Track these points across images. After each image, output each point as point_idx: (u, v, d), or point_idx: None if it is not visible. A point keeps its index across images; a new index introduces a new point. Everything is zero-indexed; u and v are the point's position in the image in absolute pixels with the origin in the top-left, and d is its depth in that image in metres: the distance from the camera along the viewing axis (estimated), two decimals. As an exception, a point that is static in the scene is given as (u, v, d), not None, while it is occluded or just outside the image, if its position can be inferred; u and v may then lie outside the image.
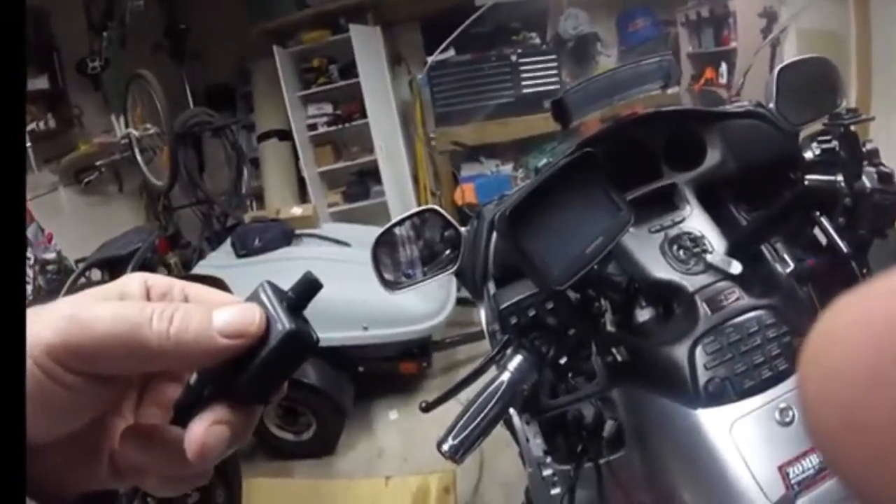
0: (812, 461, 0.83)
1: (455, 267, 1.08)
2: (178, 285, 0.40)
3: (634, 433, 1.03)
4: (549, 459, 1.01)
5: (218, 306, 0.36)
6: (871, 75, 4.10)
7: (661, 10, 4.79)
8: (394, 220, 1.09)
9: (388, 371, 2.99)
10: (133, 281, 0.38)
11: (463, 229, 1.08)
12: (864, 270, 1.24)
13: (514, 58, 4.52)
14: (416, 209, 1.10)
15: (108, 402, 0.37)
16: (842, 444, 0.24)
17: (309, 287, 0.38)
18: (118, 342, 0.33)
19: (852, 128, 1.19)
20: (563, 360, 0.90)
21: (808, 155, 1.19)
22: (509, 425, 1.06)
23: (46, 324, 0.32)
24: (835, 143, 1.18)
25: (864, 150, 1.18)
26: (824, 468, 0.81)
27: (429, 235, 1.13)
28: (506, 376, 0.84)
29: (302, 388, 2.67)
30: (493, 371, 0.90)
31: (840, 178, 1.14)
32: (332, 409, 2.79)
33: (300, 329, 0.36)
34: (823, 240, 1.19)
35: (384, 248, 1.12)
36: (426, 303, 2.81)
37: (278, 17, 4.81)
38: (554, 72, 4.57)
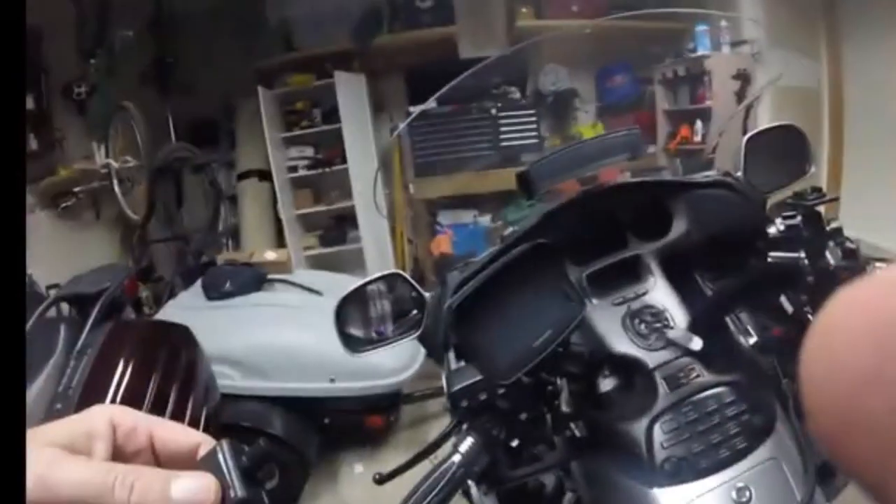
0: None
1: (418, 332, 1.06)
2: (143, 425, 0.42)
3: (593, 507, 1.02)
4: (506, 532, 0.99)
5: (180, 465, 0.39)
6: (843, 130, 4.26)
7: (639, 68, 4.90)
8: (357, 284, 1.08)
9: (355, 424, 2.93)
10: (100, 419, 0.40)
11: (427, 294, 1.07)
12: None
13: (494, 111, 4.60)
14: (380, 273, 1.08)
15: None
16: (845, 439, 0.24)
17: (263, 456, 0.40)
18: None
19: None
20: (514, 443, 0.88)
21: (772, 231, 1.19)
22: (467, 494, 1.03)
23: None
24: (798, 220, 1.20)
25: (827, 228, 1.19)
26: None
27: (398, 295, 1.12)
28: (456, 458, 0.83)
29: (266, 439, 2.60)
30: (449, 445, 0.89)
31: (803, 255, 1.15)
32: (296, 460, 2.72)
33: (253, 499, 0.38)
34: (790, 308, 1.19)
35: (352, 306, 1.10)
36: (396, 356, 2.77)
37: (265, 58, 4.87)
38: (533, 126, 4.66)
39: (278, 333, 2.79)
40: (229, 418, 2.51)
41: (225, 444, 0.39)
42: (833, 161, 4.27)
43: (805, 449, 0.92)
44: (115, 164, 4.09)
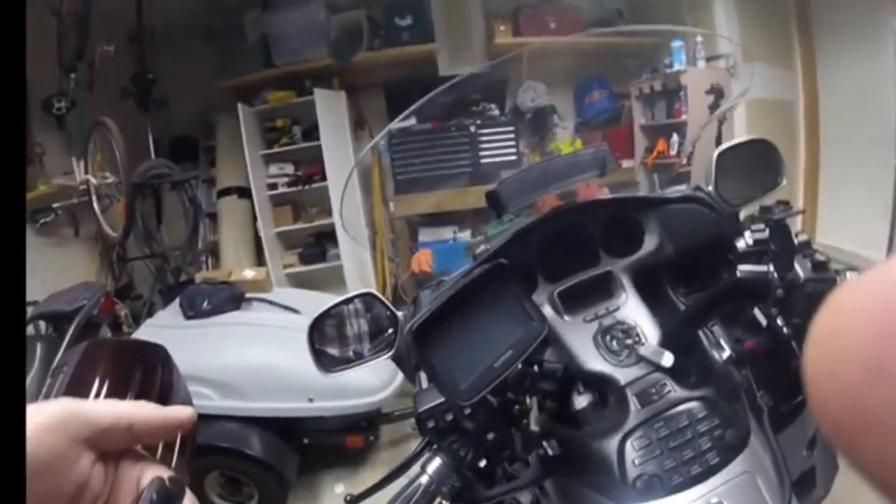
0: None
1: (391, 352, 1.05)
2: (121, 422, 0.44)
3: (568, 526, 1.01)
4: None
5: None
6: (819, 140, 4.31)
7: (616, 83, 4.96)
8: (329, 304, 1.06)
9: (335, 444, 2.90)
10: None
11: (400, 314, 1.06)
12: (805, 350, 1.24)
13: (472, 128, 4.62)
14: (353, 293, 1.07)
15: None
16: (849, 431, 0.24)
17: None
18: None
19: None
20: (482, 464, 0.88)
21: (741, 245, 1.20)
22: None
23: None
24: (767, 233, 1.20)
25: (796, 241, 1.20)
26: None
27: (373, 314, 1.11)
28: (424, 479, 0.82)
29: (245, 459, 2.57)
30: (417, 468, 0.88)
31: (771, 268, 1.15)
32: (275, 480, 2.68)
33: None
34: (763, 320, 1.19)
35: (325, 326, 1.09)
36: (375, 375, 2.75)
37: (245, 75, 4.85)
38: (511, 143, 4.68)
39: (256, 353, 2.77)
40: (206, 439, 2.47)
41: (157, 480, 0.43)
42: (809, 171, 4.33)
43: (780, 462, 0.92)
44: (93, 181, 4.04)
